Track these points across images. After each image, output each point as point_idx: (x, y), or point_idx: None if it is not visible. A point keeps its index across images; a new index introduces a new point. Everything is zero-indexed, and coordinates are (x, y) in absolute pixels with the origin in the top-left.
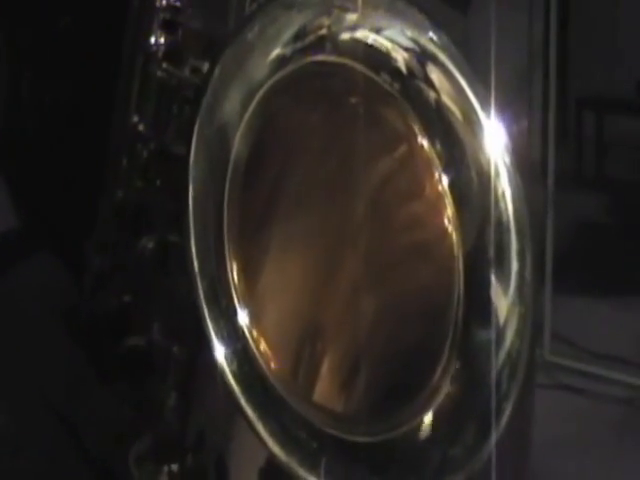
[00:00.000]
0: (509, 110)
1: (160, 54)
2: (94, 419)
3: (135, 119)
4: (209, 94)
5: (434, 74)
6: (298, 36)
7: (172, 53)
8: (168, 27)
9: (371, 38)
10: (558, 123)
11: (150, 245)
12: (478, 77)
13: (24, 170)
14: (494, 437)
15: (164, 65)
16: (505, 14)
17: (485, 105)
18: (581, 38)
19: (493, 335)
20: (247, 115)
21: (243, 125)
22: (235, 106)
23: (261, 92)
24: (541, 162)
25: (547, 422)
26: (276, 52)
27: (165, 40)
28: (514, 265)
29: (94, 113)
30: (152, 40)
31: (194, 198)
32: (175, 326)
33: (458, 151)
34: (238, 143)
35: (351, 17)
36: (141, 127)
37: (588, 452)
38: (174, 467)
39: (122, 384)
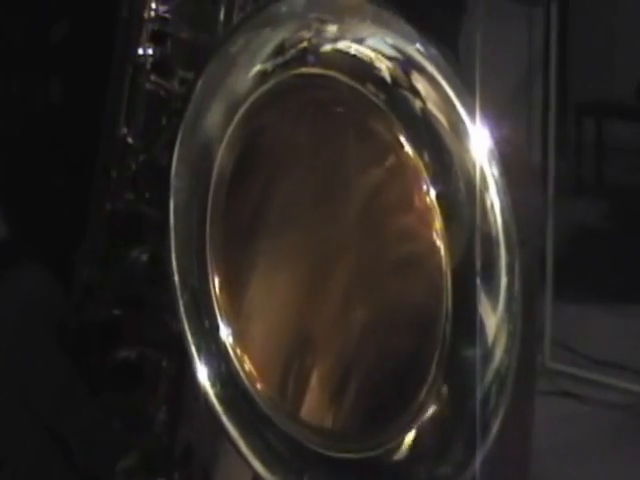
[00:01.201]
0: (503, 117)
1: (149, 66)
2: (82, 432)
3: (124, 131)
4: (192, 107)
5: (419, 83)
6: (279, 51)
7: (161, 64)
8: (157, 38)
9: (353, 48)
10: (558, 129)
11: (140, 257)
12: (469, 86)
13: (12, 181)
14: (479, 455)
15: (152, 77)
16: (505, 21)
17: (472, 114)
18: (580, 44)
19: (479, 352)
20: (230, 129)
21: (227, 138)
22: (218, 119)
23: (245, 106)
24: (541, 168)
25: (547, 428)
26: (257, 68)
27: (154, 51)
28: (503, 280)
29: (83, 124)
30: (140, 51)
31: (176, 211)
32: (164, 340)
33: (446, 161)
34: (221, 156)
35: (332, 29)
36: (130, 139)
37: (588, 458)
38: None
39: (111, 397)
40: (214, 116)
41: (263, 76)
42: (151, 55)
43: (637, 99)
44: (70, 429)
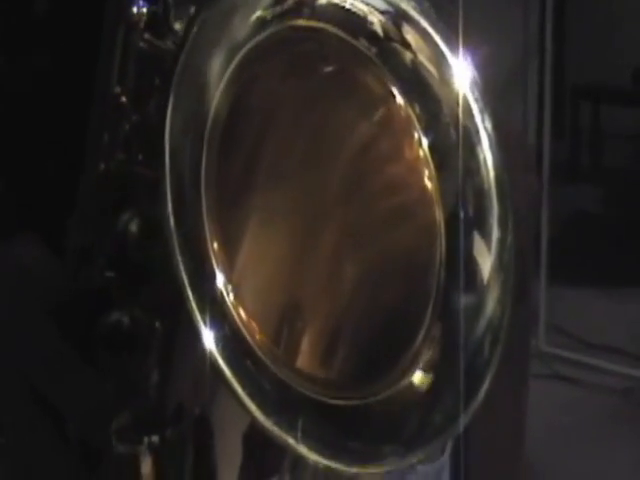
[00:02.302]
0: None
1: (142, 24)
2: (73, 395)
3: (117, 90)
4: (188, 51)
5: (410, 35)
6: (278, 0)
7: (154, 23)
8: None
9: (348, 2)
10: (554, 113)
11: (133, 219)
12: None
13: (3, 145)
14: (462, 420)
15: (146, 36)
16: (500, 4)
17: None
18: (577, 28)
19: (466, 299)
20: (226, 76)
21: (222, 85)
22: (215, 65)
23: (241, 53)
24: (536, 152)
25: (542, 412)
26: (257, 14)
27: (147, 10)
28: (495, 232)
29: (75, 85)
30: (134, 10)
31: (171, 166)
32: (157, 302)
33: (437, 111)
34: (217, 104)
35: None
36: (123, 98)
37: (583, 441)
38: (154, 438)
39: (103, 360)
40: (212, 62)
41: (262, 24)
42: (144, 13)
43: (633, 84)
44: (61, 393)
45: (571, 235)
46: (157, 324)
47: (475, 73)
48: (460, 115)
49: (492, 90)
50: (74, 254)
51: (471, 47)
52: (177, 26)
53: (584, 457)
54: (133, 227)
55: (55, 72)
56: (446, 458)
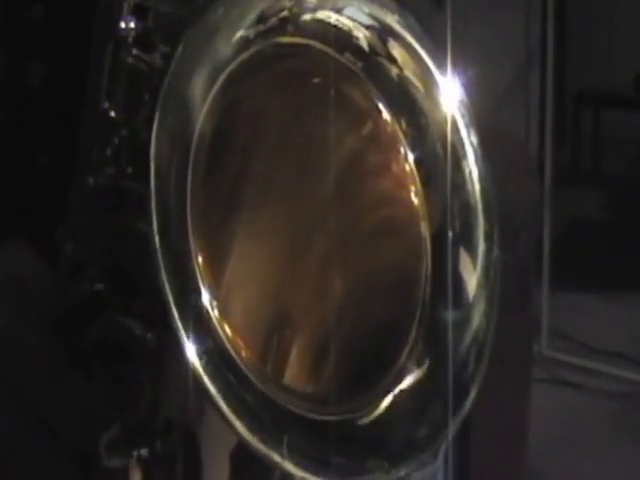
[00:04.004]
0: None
1: (130, 40)
2: (64, 407)
3: (106, 105)
4: (173, 72)
5: (396, 50)
6: (261, 19)
7: (143, 38)
8: (138, 12)
9: (333, 18)
10: (555, 118)
11: (123, 232)
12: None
13: None
14: (455, 419)
15: (134, 51)
16: (502, 9)
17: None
18: (578, 33)
19: (453, 315)
20: (211, 95)
21: (207, 105)
22: (199, 86)
23: (225, 72)
24: (538, 157)
25: (544, 416)
26: (240, 34)
27: (135, 25)
28: (481, 246)
29: (65, 99)
30: (122, 25)
31: (157, 182)
32: (148, 313)
33: (423, 126)
34: (202, 123)
35: None
36: (112, 113)
37: (585, 446)
38: (144, 452)
39: (94, 372)
40: (196, 82)
41: (245, 43)
42: (133, 29)
43: (635, 90)
44: (51, 404)
45: (573, 240)
46: (149, 336)
47: (461, 88)
48: (448, 131)
49: (479, 105)
50: (65, 266)
51: (459, 62)
52: (162, 47)
53: (586, 461)
54: (123, 240)
55: (45, 86)
56: (440, 463)
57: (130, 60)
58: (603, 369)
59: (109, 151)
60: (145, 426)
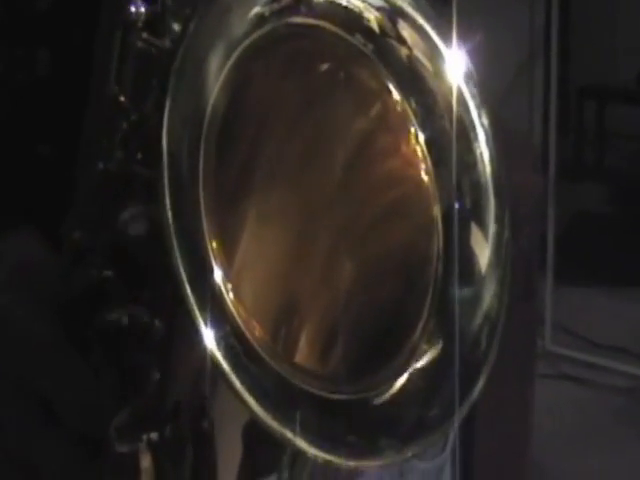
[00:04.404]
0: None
1: (140, 24)
2: (73, 392)
3: (115, 90)
4: (185, 49)
5: (405, 31)
6: None
7: (152, 22)
8: None
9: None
10: (559, 113)
11: (132, 218)
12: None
13: (1, 143)
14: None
15: (144, 35)
16: (506, 2)
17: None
18: (582, 28)
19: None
20: (224, 72)
21: (220, 82)
22: (213, 62)
23: (239, 50)
24: (542, 152)
25: (548, 411)
26: (255, 11)
27: (145, 9)
28: (492, 227)
29: (73, 85)
30: (132, 9)
31: (169, 164)
32: (156, 299)
33: (433, 106)
34: (214, 101)
35: None
36: (121, 98)
37: (588, 440)
38: (153, 435)
39: (102, 358)
40: (209, 58)
41: (260, 19)
42: (143, 13)
43: (638, 84)
44: (59, 391)
45: (577, 235)
46: (156, 322)
47: (471, 67)
48: (454, 107)
49: (489, 85)
50: (72, 252)
51: (467, 41)
52: (175, 26)
53: (590, 456)
54: (132, 226)
55: (53, 71)
56: (447, 456)
57: (140, 44)
58: (607, 364)
59: (118, 136)
60: (155, 410)
